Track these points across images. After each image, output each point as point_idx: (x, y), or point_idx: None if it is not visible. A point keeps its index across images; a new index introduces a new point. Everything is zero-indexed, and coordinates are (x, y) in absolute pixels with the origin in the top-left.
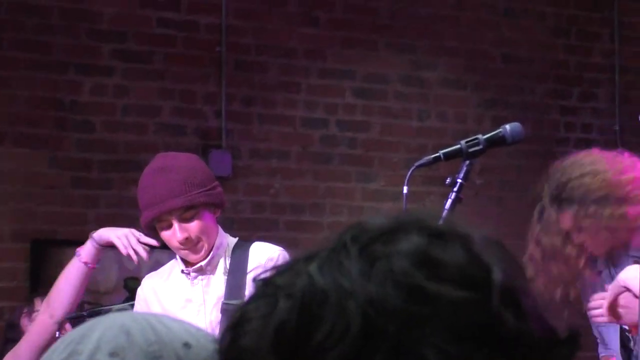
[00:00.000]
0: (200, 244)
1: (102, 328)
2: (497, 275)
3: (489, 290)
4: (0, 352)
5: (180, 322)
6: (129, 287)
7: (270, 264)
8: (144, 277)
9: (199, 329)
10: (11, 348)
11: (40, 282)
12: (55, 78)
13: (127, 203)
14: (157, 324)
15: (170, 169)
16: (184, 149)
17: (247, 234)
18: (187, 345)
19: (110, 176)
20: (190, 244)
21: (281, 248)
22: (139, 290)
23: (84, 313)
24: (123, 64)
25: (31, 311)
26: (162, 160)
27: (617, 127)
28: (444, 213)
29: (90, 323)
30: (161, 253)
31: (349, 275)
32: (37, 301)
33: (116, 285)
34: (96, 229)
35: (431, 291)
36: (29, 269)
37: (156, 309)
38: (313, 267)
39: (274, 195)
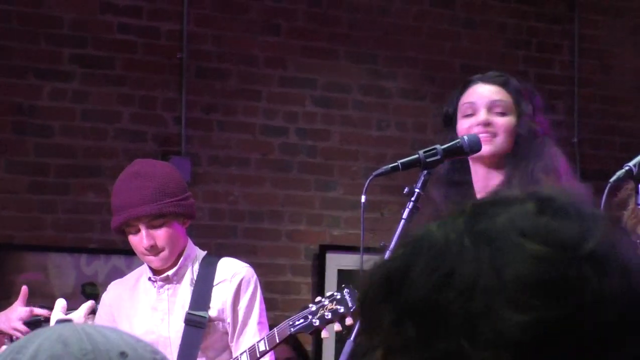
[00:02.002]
0: (164, 252)
1: (41, 338)
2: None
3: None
4: None
5: (120, 333)
6: (87, 293)
7: (236, 280)
8: (101, 282)
9: (138, 340)
10: None
11: None
12: (14, 82)
13: (84, 209)
14: (95, 334)
15: (144, 175)
16: (143, 155)
17: (205, 241)
18: (123, 354)
19: (68, 181)
20: (155, 251)
21: (248, 265)
22: (104, 295)
23: (41, 318)
24: (83, 69)
25: None
26: (139, 166)
27: (575, 140)
28: (401, 223)
29: (31, 334)
30: (118, 259)
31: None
32: None
33: (73, 291)
34: (53, 234)
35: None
36: None
37: (120, 315)
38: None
39: (233, 203)
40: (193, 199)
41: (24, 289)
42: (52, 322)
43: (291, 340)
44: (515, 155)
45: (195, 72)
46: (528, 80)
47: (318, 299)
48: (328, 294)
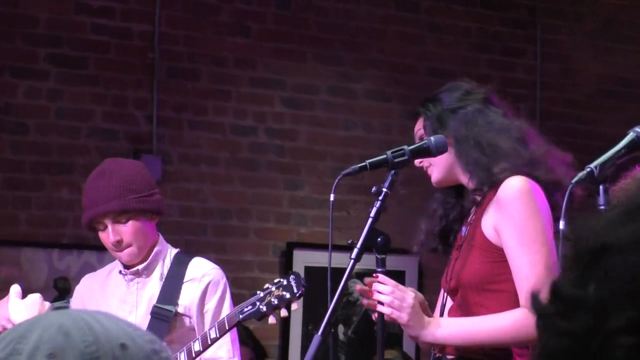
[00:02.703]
0: (132, 248)
1: (41, 328)
2: None
3: None
4: None
5: (117, 321)
6: (58, 287)
7: (205, 281)
8: (73, 277)
9: (135, 328)
10: None
11: None
12: None
13: (58, 205)
14: (94, 323)
15: (110, 173)
16: (115, 153)
17: (175, 237)
18: (123, 346)
19: (42, 178)
20: (122, 246)
21: (218, 267)
22: (77, 287)
23: None
24: (57, 68)
25: None
26: (107, 164)
27: None
28: (369, 221)
29: (29, 322)
30: (90, 254)
31: None
32: None
33: (46, 285)
34: (27, 229)
35: None
36: None
37: (90, 306)
38: None
39: (203, 200)
40: (160, 196)
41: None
42: (10, 308)
43: (251, 343)
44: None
45: (167, 72)
46: (491, 84)
47: (266, 286)
48: (275, 280)
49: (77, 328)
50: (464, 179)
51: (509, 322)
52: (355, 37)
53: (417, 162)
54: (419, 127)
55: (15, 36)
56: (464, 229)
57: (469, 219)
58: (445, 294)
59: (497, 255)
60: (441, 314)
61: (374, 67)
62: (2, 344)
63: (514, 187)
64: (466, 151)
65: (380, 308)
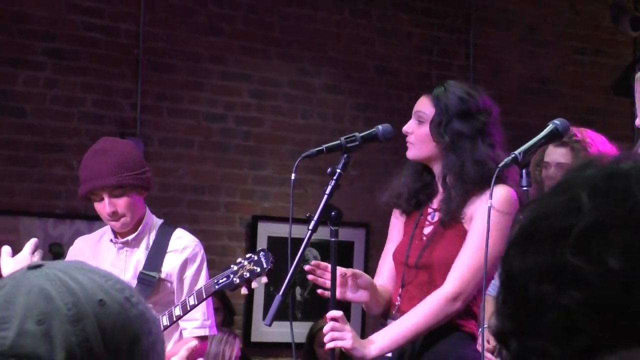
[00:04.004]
0: (125, 218)
1: (23, 293)
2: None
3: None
4: None
5: (91, 274)
6: (53, 252)
7: (186, 253)
8: (66, 242)
9: (107, 279)
10: None
11: None
12: None
13: (51, 179)
14: (69, 281)
15: (107, 151)
16: (102, 135)
17: (155, 210)
18: (101, 302)
19: (38, 156)
20: (117, 217)
21: (197, 241)
22: (71, 248)
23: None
24: (52, 60)
25: None
26: (103, 143)
27: None
28: (324, 198)
29: (8, 285)
30: (81, 223)
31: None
32: None
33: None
34: (24, 201)
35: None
36: None
37: None
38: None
39: (179, 178)
40: (150, 174)
41: (6, 248)
42: (2, 265)
43: (219, 294)
44: (444, 158)
45: (149, 66)
46: (430, 80)
47: (238, 260)
48: (247, 255)
49: (56, 290)
50: (436, 167)
51: (427, 311)
52: (314, 38)
53: (406, 129)
54: (419, 108)
55: (14, 31)
56: (431, 212)
57: (436, 207)
58: (404, 269)
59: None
60: (402, 287)
61: (329, 64)
62: None
63: (500, 192)
64: (456, 153)
65: (328, 345)
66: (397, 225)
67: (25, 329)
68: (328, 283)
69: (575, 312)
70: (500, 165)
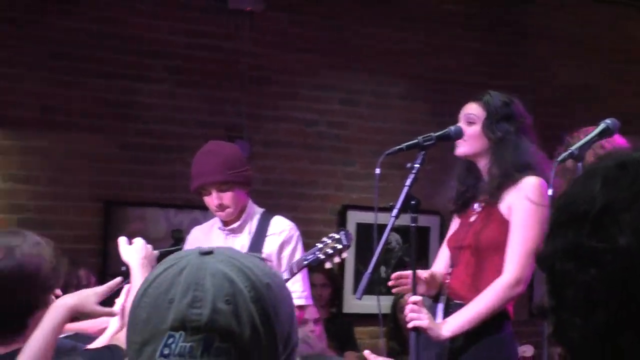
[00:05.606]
0: (229, 209)
1: (209, 276)
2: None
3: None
4: None
5: (253, 261)
6: (174, 237)
7: (283, 235)
8: (185, 229)
9: (264, 265)
10: None
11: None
12: (114, 84)
13: (173, 176)
14: (245, 269)
15: (214, 152)
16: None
17: (259, 202)
18: (268, 285)
19: (160, 156)
20: (223, 208)
21: (292, 224)
22: (189, 236)
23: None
24: (171, 76)
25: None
26: (211, 146)
27: None
28: (405, 189)
29: (187, 269)
30: (198, 212)
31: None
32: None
33: (165, 235)
34: (151, 194)
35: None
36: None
37: None
38: None
39: (280, 174)
40: (251, 172)
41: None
42: (121, 251)
43: (326, 272)
44: (494, 151)
45: (253, 79)
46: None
47: (323, 239)
48: (330, 234)
49: (235, 274)
50: (482, 161)
51: (493, 297)
52: (391, 54)
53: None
54: (469, 111)
55: (142, 52)
56: (476, 205)
57: (482, 198)
58: (454, 252)
59: (508, 228)
60: (451, 267)
61: (404, 76)
62: (179, 287)
63: (533, 182)
64: (503, 150)
65: (409, 325)
66: (454, 221)
67: (218, 307)
68: (408, 288)
69: (593, 288)
70: (558, 159)
